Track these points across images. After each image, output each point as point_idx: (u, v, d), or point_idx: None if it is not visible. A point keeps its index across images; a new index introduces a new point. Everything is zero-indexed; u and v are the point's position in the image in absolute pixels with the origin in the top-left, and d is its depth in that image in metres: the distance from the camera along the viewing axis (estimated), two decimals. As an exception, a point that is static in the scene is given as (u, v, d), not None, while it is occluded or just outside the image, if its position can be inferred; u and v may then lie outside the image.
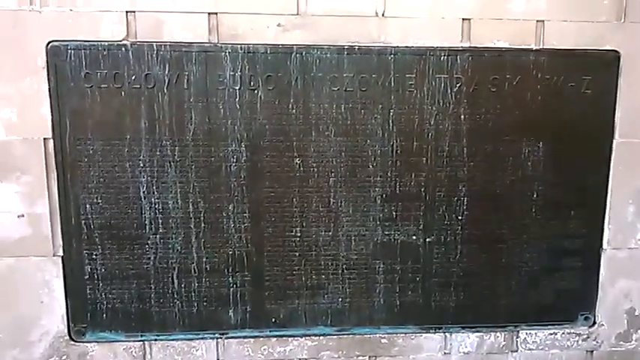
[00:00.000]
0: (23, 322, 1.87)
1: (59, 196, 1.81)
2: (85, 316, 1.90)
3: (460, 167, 1.90)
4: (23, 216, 1.81)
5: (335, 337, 1.99)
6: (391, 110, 1.84)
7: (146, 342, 1.93)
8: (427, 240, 1.93)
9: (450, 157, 1.89)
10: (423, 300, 1.98)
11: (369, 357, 2.00)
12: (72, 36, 1.72)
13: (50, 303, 1.87)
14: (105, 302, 1.89)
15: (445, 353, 2.03)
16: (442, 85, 1.83)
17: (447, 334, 2.02)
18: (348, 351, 1.99)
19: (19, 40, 1.70)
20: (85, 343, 1.91)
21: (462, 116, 1.85)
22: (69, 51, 1.72)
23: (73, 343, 1.90)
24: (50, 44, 1.72)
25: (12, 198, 1.79)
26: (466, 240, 1.96)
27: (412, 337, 2.00)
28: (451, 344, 2.03)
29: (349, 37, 1.78)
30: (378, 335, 2.00)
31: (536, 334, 2.04)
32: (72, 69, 1.73)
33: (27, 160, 1.78)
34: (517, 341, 2.04)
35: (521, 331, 2.04)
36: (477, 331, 2.02)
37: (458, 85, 1.84)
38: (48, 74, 1.73)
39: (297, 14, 1.75)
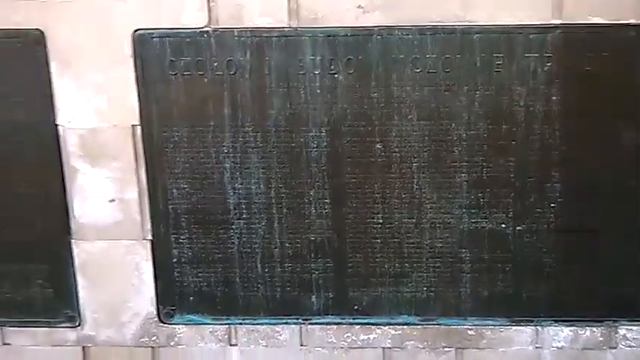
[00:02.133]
0: (116, 303, 1.89)
1: (147, 181, 1.80)
2: (173, 298, 1.88)
3: (552, 151, 1.71)
4: (114, 201, 1.81)
5: (419, 326, 1.86)
6: (477, 92, 1.68)
7: (231, 325, 1.90)
8: (517, 228, 1.77)
9: (541, 140, 1.71)
10: (513, 291, 1.81)
11: (456, 349, 1.87)
12: (156, 24, 1.68)
13: (140, 285, 1.87)
14: (192, 285, 1.87)
15: (537, 347, 1.86)
16: (532, 64, 1.65)
17: (538, 327, 1.85)
18: (434, 342, 1.86)
19: (107, 29, 1.69)
20: (173, 325, 1.90)
21: (554, 97, 1.66)
22: (154, 39, 1.69)
23: (161, 324, 1.90)
24: (136, 32, 1.69)
25: (103, 183, 1.80)
26: (559, 228, 1.77)
27: (501, 330, 1.84)
28: (543, 338, 1.85)
29: (432, 17, 1.64)
30: (464, 326, 1.86)
31: (638, 330, 1.82)
32: (157, 57, 1.71)
33: (117, 147, 1.77)
34: (616, 337, 1.83)
35: (620, 327, 1.82)
36: (572, 325, 1.83)
37: (549, 64, 1.65)
38: (135, 62, 1.71)
39: (379, -6, 1.62)
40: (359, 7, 1.64)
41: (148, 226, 1.83)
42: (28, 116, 1.76)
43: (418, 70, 1.68)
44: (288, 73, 1.70)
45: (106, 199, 1.82)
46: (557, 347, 1.86)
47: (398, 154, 1.74)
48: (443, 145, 1.73)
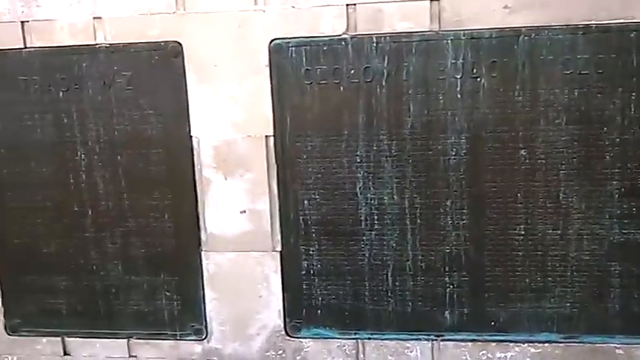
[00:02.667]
0: (243, 315, 1.85)
1: (279, 192, 1.76)
2: (300, 311, 1.82)
3: None
4: (245, 212, 1.78)
5: (562, 344, 1.74)
6: (633, 94, 1.56)
7: (359, 340, 1.82)
8: (675, 240, 1.62)
9: (703, 145, 1.56)
10: (670, 308, 1.66)
11: (602, 369, 1.72)
12: (293, 33, 1.66)
13: (268, 297, 1.82)
14: (320, 298, 1.81)
15: (693, 370, 1.69)
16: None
17: (697, 348, 1.68)
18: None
19: (244, 39, 1.67)
20: (300, 339, 1.84)
21: None
22: (290, 48, 1.67)
23: (288, 338, 1.84)
24: (272, 42, 1.66)
25: (236, 194, 1.77)
26: None
27: (655, 350, 1.69)
28: (702, 359, 1.68)
29: (584, 14, 1.53)
30: (612, 345, 1.71)
31: None
32: (293, 66, 1.67)
33: (250, 158, 1.74)
34: None
35: None
36: None
37: None
38: (270, 72, 1.68)
39: (526, -7, 1.54)
40: (505, 7, 1.57)
41: (278, 237, 1.79)
42: (163, 128, 1.76)
43: (568, 72, 1.58)
44: (428, 79, 1.64)
45: (237, 210, 1.79)
46: None
47: (543, 161, 1.64)
48: (593, 151, 1.62)
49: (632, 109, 1.58)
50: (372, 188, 1.72)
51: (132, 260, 1.86)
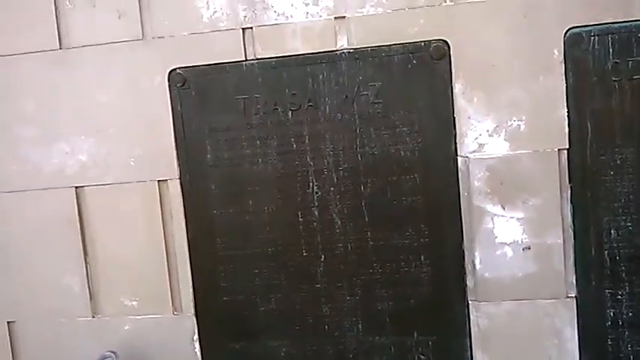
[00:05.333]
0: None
1: (574, 220, 1.32)
2: (602, 375, 1.35)
3: None
4: (529, 248, 1.34)
5: None
6: None
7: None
8: None
9: None
10: None
11: None
12: (596, 18, 1.25)
13: (559, 358, 1.35)
14: (631, 357, 1.33)
15: None
16: None
17: None
18: None
19: (531, 31, 1.30)
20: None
21: None
22: (592, 38, 1.27)
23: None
24: (569, 32, 1.27)
25: (516, 227, 1.34)
26: None
27: None
28: None
29: None
30: None
31: None
32: (595, 60, 1.27)
33: (537, 179, 1.33)
34: None
35: None
36: None
37: None
38: (565, 70, 1.27)
39: None
40: None
41: (572, 279, 1.35)
42: (420, 148, 1.38)
43: None
44: None
45: (518, 247, 1.35)
46: None
47: None
48: None
49: None
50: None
51: (375, 316, 1.44)
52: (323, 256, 1.44)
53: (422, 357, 1.44)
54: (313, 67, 1.38)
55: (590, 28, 1.29)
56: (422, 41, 1.34)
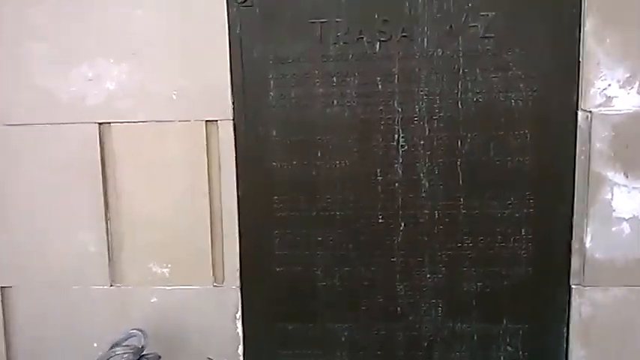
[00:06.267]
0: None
1: None
2: None
3: None
4: (651, 225, 1.11)
5: None
6: None
7: None
8: None
9: None
10: None
11: None
12: None
13: None
14: None
15: None
16: None
17: None
18: None
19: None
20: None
21: None
22: None
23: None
24: None
25: (638, 199, 1.11)
26: None
27: None
28: None
29: None
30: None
31: None
32: None
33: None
34: None
35: None
36: None
37: None
38: None
39: None
40: None
41: (696, 263, 1.13)
42: (535, 98, 1.13)
43: None
44: None
45: (638, 223, 1.12)
46: None
47: None
48: None
49: None
50: None
51: (460, 299, 1.20)
52: (403, 224, 1.18)
53: (509, 348, 1.21)
54: (413, -14, 1.11)
55: None
56: (549, -36, 1.08)
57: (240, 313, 1.23)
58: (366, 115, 1.16)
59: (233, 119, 1.18)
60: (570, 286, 1.18)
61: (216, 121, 1.18)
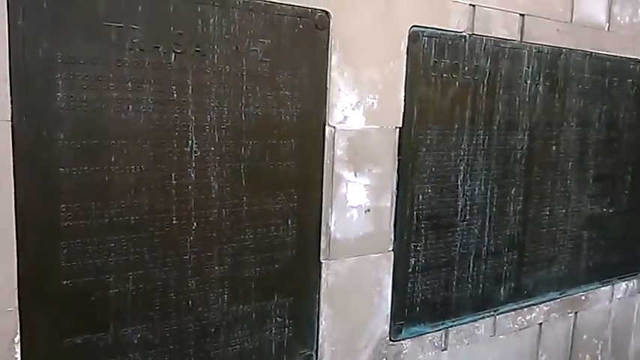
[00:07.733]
0: (354, 329, 1.59)
1: (398, 188, 1.60)
2: (403, 312, 1.70)
3: None
4: (369, 211, 1.55)
5: (558, 299, 2.12)
6: (604, 106, 2.08)
7: (444, 330, 1.80)
8: None
9: None
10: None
11: (575, 313, 2.18)
12: (428, 23, 1.56)
13: (379, 303, 1.63)
14: (420, 295, 1.72)
15: (610, 301, 2.33)
16: None
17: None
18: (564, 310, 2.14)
19: (389, 20, 1.50)
20: (400, 342, 1.70)
21: None
22: (424, 37, 1.57)
23: (391, 343, 1.68)
24: (412, 29, 1.54)
25: (362, 192, 1.53)
26: None
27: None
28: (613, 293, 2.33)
29: (592, 45, 1.97)
30: (579, 294, 2.19)
31: None
32: (423, 56, 1.58)
33: (380, 151, 1.54)
34: None
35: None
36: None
37: None
38: (407, 60, 1.54)
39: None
40: (557, 30, 1.87)
41: (391, 236, 1.62)
42: (298, 114, 1.39)
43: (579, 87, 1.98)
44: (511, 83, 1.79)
45: (362, 209, 1.54)
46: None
47: (562, 155, 1.99)
48: (584, 148, 2.06)
49: (603, 117, 2.08)
50: (468, 180, 1.76)
51: (241, 285, 1.37)
52: (195, 224, 1.27)
53: (278, 319, 1.44)
54: (205, 7, 1.21)
55: (424, 29, 1.56)
56: (310, 8, 1.35)
57: (19, 337, 1.09)
58: (161, 122, 1.19)
59: (11, 120, 1.03)
60: (320, 262, 1.48)
61: (-8, 121, 1.01)
